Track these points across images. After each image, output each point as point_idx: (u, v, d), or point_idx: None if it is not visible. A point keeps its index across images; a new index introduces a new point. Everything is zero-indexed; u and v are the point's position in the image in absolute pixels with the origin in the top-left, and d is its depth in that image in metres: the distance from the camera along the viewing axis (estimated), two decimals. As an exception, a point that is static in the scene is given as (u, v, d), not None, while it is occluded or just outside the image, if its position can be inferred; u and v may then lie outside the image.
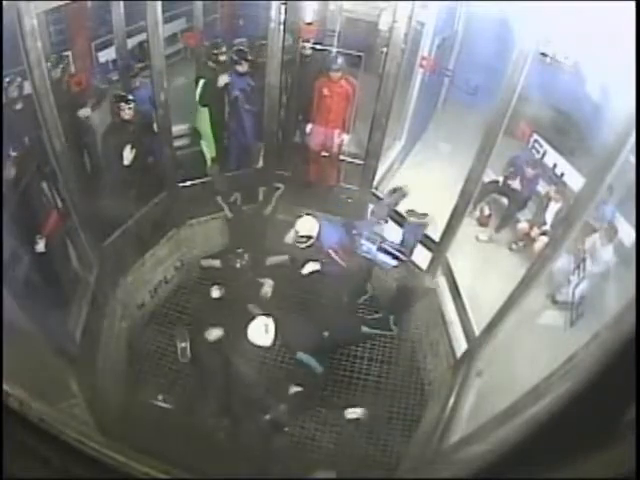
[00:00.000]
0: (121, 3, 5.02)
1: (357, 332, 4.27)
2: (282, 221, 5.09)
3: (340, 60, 4.95)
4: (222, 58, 5.27)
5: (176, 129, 4.87)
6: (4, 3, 2.70)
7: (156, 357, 4.35)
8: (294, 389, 3.80)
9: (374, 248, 4.45)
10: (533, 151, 4.99)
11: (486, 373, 3.33)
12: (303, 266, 4.51)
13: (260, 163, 5.36)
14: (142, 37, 4.99)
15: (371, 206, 5.03)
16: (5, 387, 0.98)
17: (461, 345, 3.84)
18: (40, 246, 3.30)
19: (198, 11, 6.27)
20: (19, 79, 3.77)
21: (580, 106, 4.93)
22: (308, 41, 5.26)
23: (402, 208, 4.76)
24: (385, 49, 4.46)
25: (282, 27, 4.48)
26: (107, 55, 5.72)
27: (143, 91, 4.81)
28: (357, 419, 3.84)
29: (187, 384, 4.13)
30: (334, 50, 5.33)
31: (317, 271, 4.45)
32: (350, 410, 3.87)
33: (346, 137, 5.29)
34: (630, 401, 0.66)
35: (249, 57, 5.11)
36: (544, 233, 4.52)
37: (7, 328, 1.78)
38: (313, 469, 3.41)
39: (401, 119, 5.89)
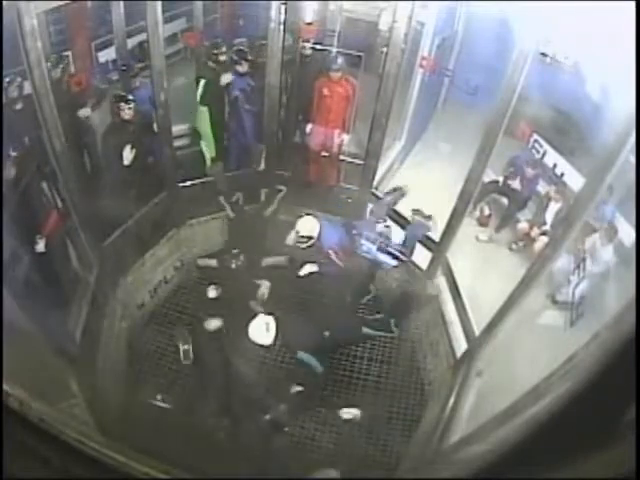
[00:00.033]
0: (121, 3, 5.03)
1: (358, 332, 4.27)
2: (282, 221, 5.09)
3: (340, 60, 4.95)
4: (222, 58, 5.27)
5: (176, 129, 4.87)
6: (4, 3, 2.70)
7: (156, 357, 4.35)
8: (295, 389, 3.80)
9: (374, 248, 4.45)
10: (533, 151, 4.99)
11: (486, 373, 3.33)
12: (301, 267, 4.51)
13: (262, 165, 5.33)
14: (142, 37, 4.99)
15: (370, 206, 5.03)
16: (5, 387, 0.98)
17: (461, 345, 3.84)
18: (40, 246, 3.30)
19: (198, 11, 6.27)
20: (19, 79, 3.77)
21: (580, 106, 4.93)
22: (308, 41, 5.26)
23: (406, 208, 4.77)
24: (385, 49, 4.46)
25: (282, 27, 4.48)
26: (107, 55, 5.72)
27: (143, 91, 4.81)
28: (352, 419, 3.83)
29: (187, 384, 4.13)
30: (334, 50, 5.33)
31: (315, 272, 4.46)
32: (345, 410, 3.86)
33: (346, 137, 5.29)
34: (630, 401, 0.66)
35: (249, 57, 5.11)
36: (544, 233, 4.52)
37: (7, 328, 1.78)
38: (314, 469, 3.41)
39: (401, 119, 5.89)
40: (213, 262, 5.05)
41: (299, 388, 3.80)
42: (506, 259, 4.69)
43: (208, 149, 5.53)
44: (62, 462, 0.91)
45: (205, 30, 6.34)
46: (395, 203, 4.83)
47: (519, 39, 3.09)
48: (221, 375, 3.92)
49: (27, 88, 3.46)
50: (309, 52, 5.29)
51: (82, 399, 2.61)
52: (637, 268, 2.25)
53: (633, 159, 2.29)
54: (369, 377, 4.36)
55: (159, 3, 3.77)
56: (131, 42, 5.40)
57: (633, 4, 2.06)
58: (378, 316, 4.49)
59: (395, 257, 4.49)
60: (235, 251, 4.90)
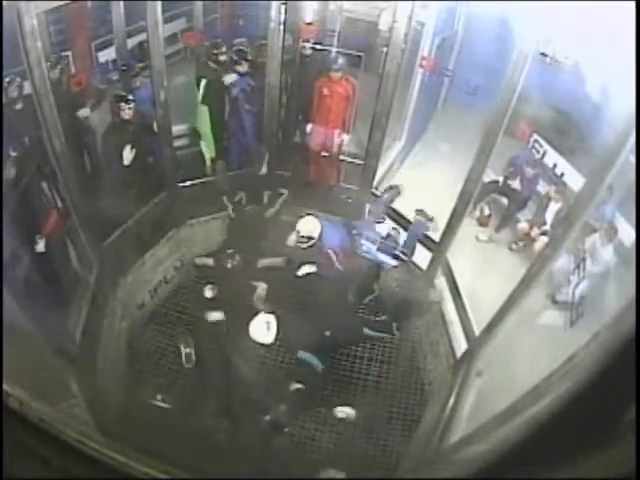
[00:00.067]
0: (121, 3, 5.03)
1: (359, 333, 4.27)
2: (283, 222, 5.09)
3: (340, 60, 4.95)
4: (222, 58, 5.27)
5: (176, 129, 4.88)
6: (4, 3, 2.70)
7: (156, 357, 4.35)
8: (294, 386, 3.80)
9: (374, 248, 4.45)
10: (533, 151, 4.98)
11: (486, 373, 3.32)
12: (299, 268, 4.51)
13: (264, 169, 5.29)
14: (142, 37, 4.98)
15: (368, 206, 5.03)
16: (5, 387, 0.98)
17: (461, 345, 3.84)
18: (40, 246, 3.30)
19: (198, 11, 6.27)
20: (19, 79, 3.77)
21: (580, 106, 4.93)
22: (308, 41, 5.26)
23: (408, 208, 4.78)
24: (385, 49, 4.46)
25: (282, 27, 4.49)
26: (107, 55, 5.72)
27: (143, 91, 4.81)
28: (346, 418, 3.83)
29: (187, 384, 4.12)
30: (334, 50, 5.33)
31: (313, 273, 4.46)
32: (339, 409, 3.86)
33: (346, 137, 5.29)
34: (630, 401, 0.66)
35: (249, 57, 5.11)
36: (544, 233, 4.52)
37: (7, 328, 1.78)
38: (316, 469, 3.41)
39: (401, 119, 5.89)
40: (210, 261, 5.04)
41: (298, 385, 3.80)
42: (506, 259, 4.69)
43: (208, 149, 5.53)
44: (62, 462, 0.91)
45: (205, 30, 6.34)
46: (391, 201, 4.87)
47: (519, 39, 3.09)
48: (221, 375, 3.92)
49: (27, 88, 3.46)
50: (309, 52, 5.28)
51: (82, 399, 2.62)
52: (637, 268, 2.25)
53: (633, 159, 2.29)
54: (369, 377, 4.36)
55: (159, 3, 3.77)
56: (131, 42, 5.40)
57: (633, 4, 2.06)
58: (380, 318, 4.49)
59: (395, 257, 4.49)
60: (230, 251, 4.88)
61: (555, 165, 4.91)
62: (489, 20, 5.25)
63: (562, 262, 3.43)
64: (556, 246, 2.84)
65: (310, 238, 4.26)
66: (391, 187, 4.99)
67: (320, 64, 5.25)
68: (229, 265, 4.82)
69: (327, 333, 4.03)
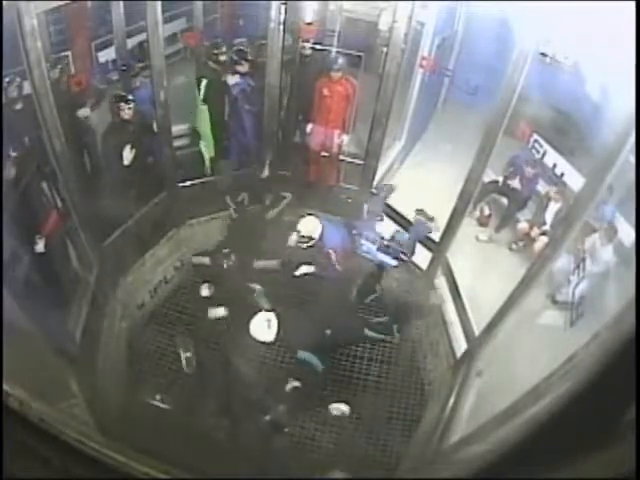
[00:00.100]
0: (121, 3, 5.03)
1: (360, 333, 4.27)
2: (283, 222, 5.09)
3: (340, 60, 4.95)
4: (222, 58, 5.26)
5: (176, 129, 4.88)
6: (4, 3, 2.70)
7: (156, 357, 4.35)
8: (292, 384, 3.79)
9: (374, 248, 4.46)
10: (533, 151, 4.99)
11: (486, 373, 3.33)
12: (297, 268, 4.51)
13: (266, 172, 5.27)
14: (142, 37, 4.99)
15: (366, 206, 5.04)
16: (5, 387, 0.98)
17: (461, 345, 3.84)
18: (40, 246, 3.30)
19: (198, 11, 6.27)
20: (19, 79, 3.77)
21: (580, 106, 4.93)
22: (308, 41, 5.25)
23: (408, 208, 4.79)
24: (385, 49, 4.46)
25: (282, 27, 4.48)
26: (107, 55, 5.72)
27: (143, 91, 4.80)
28: (340, 416, 3.83)
29: (187, 384, 4.12)
30: (334, 50, 5.33)
31: (310, 274, 4.46)
32: (334, 406, 3.86)
33: (346, 137, 5.29)
34: (630, 401, 0.66)
35: (249, 57, 5.10)
36: (544, 233, 4.52)
37: (7, 328, 1.78)
38: (316, 469, 3.41)
39: (401, 119, 5.89)
40: (206, 260, 5.04)
41: (295, 383, 3.79)
42: (506, 259, 4.69)
43: (207, 149, 5.53)
44: (62, 462, 0.91)
45: (205, 30, 6.34)
46: (385, 198, 4.95)
47: (519, 39, 3.10)
48: (221, 375, 3.92)
49: (27, 88, 3.46)
50: (309, 52, 5.28)
51: (82, 399, 2.61)
52: (637, 268, 2.24)
53: (633, 159, 2.29)
54: (369, 377, 4.36)
55: (159, 3, 3.77)
56: (131, 42, 5.40)
57: (633, 4, 2.06)
58: (382, 319, 4.49)
59: (395, 257, 4.50)
60: (225, 250, 4.88)
61: (555, 165, 4.91)
62: (489, 20, 5.25)
63: (562, 262, 3.43)
64: (556, 246, 2.84)
65: (311, 238, 4.27)
66: (384, 185, 5.12)
67: (320, 64, 5.24)
68: (225, 265, 4.82)
69: (327, 332, 4.03)
